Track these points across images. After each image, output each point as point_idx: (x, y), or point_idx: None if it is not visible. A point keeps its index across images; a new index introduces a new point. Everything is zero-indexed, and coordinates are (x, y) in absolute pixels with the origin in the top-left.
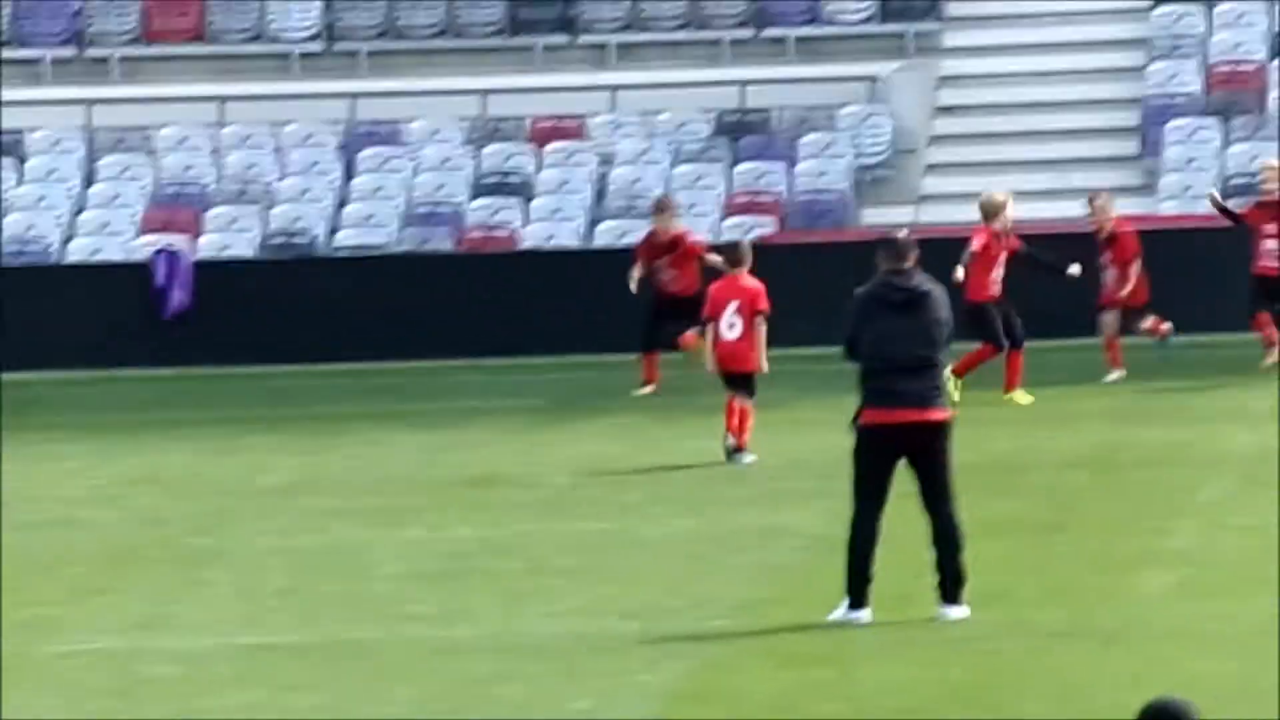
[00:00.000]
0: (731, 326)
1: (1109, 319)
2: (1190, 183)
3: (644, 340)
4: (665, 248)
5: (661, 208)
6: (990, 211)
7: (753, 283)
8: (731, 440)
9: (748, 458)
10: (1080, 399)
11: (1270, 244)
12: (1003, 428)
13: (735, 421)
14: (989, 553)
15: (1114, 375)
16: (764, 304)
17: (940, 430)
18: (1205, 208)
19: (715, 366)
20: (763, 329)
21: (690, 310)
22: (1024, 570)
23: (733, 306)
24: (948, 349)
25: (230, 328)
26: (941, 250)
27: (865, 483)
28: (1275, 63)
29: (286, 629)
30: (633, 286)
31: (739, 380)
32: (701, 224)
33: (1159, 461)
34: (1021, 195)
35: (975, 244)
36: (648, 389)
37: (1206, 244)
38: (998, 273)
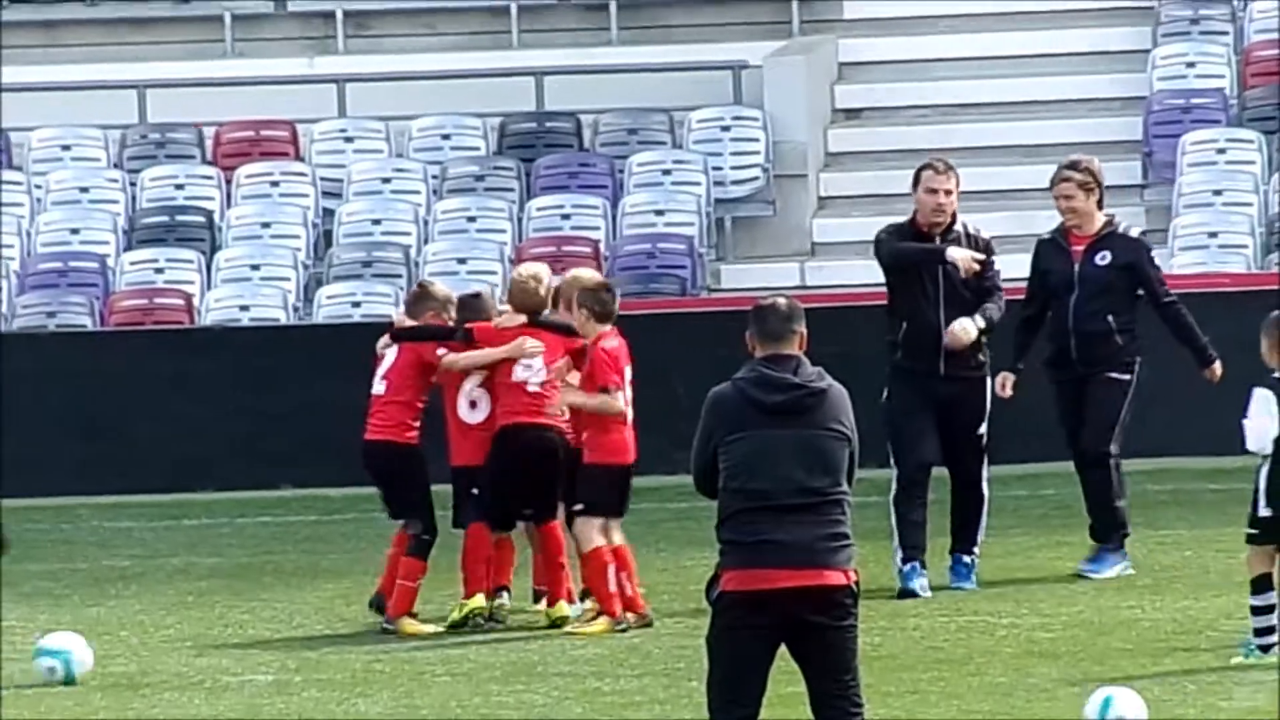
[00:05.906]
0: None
1: None
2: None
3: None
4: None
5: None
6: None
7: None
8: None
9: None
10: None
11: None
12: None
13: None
14: None
15: None
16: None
17: (841, 600)
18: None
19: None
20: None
21: None
22: None
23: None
24: (852, 476)
25: None
26: (839, 324)
27: (728, 682)
28: None
29: None
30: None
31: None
32: (480, 284)
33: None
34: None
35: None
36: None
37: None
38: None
